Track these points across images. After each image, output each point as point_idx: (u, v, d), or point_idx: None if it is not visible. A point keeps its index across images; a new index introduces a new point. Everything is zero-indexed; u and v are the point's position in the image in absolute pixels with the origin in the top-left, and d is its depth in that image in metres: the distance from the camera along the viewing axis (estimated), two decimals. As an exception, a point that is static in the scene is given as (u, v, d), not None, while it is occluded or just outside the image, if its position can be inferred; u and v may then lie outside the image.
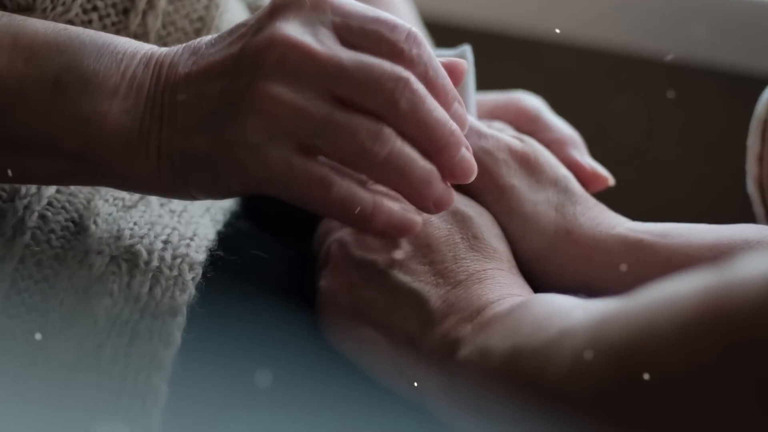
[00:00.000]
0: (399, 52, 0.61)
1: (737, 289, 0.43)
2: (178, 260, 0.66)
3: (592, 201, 0.69)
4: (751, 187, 0.78)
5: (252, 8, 0.80)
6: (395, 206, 0.62)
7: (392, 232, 0.62)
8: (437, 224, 0.65)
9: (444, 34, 0.95)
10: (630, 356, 0.46)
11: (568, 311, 0.54)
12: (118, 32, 0.70)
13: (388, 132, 0.60)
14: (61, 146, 0.62)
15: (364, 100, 0.60)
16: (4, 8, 0.67)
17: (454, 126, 0.62)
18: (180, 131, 0.62)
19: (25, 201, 0.66)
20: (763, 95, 0.78)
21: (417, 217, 0.63)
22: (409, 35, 0.62)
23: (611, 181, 0.72)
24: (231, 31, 0.63)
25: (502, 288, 0.62)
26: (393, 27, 0.62)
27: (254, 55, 0.60)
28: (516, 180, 0.68)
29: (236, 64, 0.61)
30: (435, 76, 0.62)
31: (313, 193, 0.60)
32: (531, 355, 0.53)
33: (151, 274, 0.65)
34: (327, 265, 0.67)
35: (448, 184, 0.63)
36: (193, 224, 0.69)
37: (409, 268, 0.63)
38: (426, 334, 0.61)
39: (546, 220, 0.67)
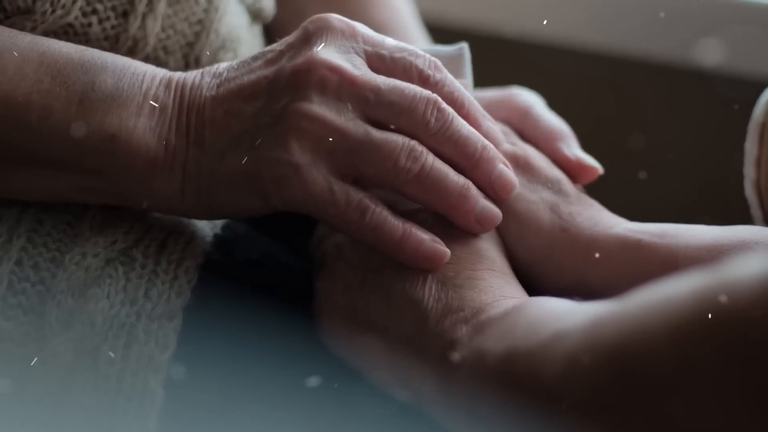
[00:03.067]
0: (426, 78, 0.65)
1: (730, 291, 0.43)
2: (175, 264, 0.66)
3: (589, 201, 0.69)
4: (749, 191, 0.78)
5: (251, 11, 0.80)
6: (425, 236, 0.63)
7: (420, 260, 0.63)
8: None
9: (443, 35, 0.95)
10: (624, 358, 0.46)
11: (563, 314, 0.54)
12: (117, 35, 0.70)
13: (421, 148, 0.63)
14: (84, 163, 0.64)
15: (397, 121, 0.63)
16: (4, 11, 0.67)
17: (486, 142, 0.65)
18: (209, 150, 0.64)
19: (22, 203, 0.66)
20: (761, 99, 0.78)
21: (445, 249, 0.63)
22: (431, 62, 0.66)
23: (600, 170, 0.72)
24: (255, 57, 0.66)
25: (496, 290, 0.62)
26: (417, 55, 0.66)
27: (293, 77, 0.63)
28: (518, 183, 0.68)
29: (272, 86, 0.63)
30: (461, 96, 0.66)
31: (349, 217, 0.62)
32: (526, 358, 0.53)
33: (147, 278, 0.65)
34: (323, 267, 0.67)
35: (489, 202, 0.65)
36: (190, 226, 0.69)
37: (404, 273, 0.63)
38: (421, 336, 0.61)
39: (541, 220, 0.67)
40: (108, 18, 0.70)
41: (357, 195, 0.63)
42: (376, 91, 0.63)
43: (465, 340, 0.58)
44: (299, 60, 0.63)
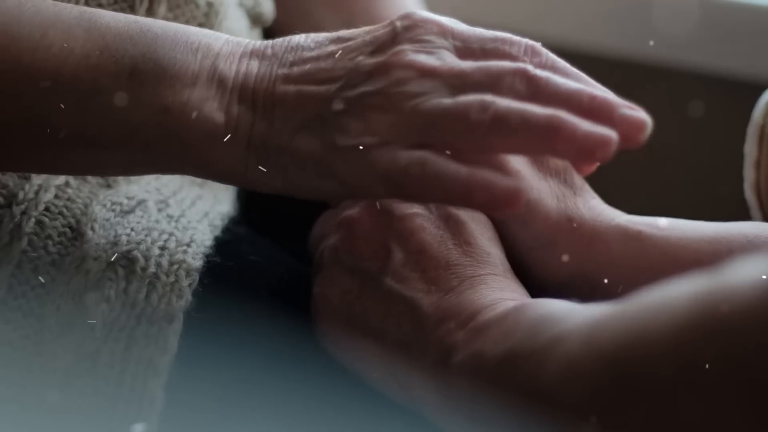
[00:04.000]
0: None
1: (729, 294, 0.43)
2: (175, 266, 0.66)
3: (592, 193, 0.69)
4: (749, 193, 0.78)
5: (251, 15, 0.80)
6: (495, 176, 0.57)
7: (497, 203, 0.57)
8: (430, 230, 0.65)
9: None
10: (623, 361, 0.47)
11: (562, 316, 0.54)
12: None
13: (492, 98, 0.58)
14: (137, 137, 0.62)
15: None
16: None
17: (597, 91, 0.59)
18: (278, 127, 0.62)
19: (23, 206, 0.66)
20: (761, 101, 0.78)
21: (522, 184, 0.58)
22: (527, 47, 0.62)
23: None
24: (333, 39, 0.64)
25: (495, 293, 0.62)
26: (511, 42, 0.62)
27: (374, 72, 0.61)
28: (520, 166, 0.68)
29: (350, 75, 0.61)
30: (564, 68, 0.62)
31: (411, 176, 0.59)
32: (525, 361, 0.53)
33: (147, 281, 0.65)
34: (320, 271, 0.67)
35: (596, 125, 0.57)
36: (191, 230, 0.69)
37: (401, 275, 0.63)
38: (420, 340, 0.61)
39: (549, 208, 0.67)
40: (108, 21, 0.70)
41: (419, 152, 0.59)
42: (460, 75, 0.60)
43: (464, 343, 0.58)
44: (383, 57, 0.62)
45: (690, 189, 1.18)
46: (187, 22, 0.73)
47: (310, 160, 0.61)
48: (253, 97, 0.62)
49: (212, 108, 0.62)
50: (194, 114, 0.62)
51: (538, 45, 0.62)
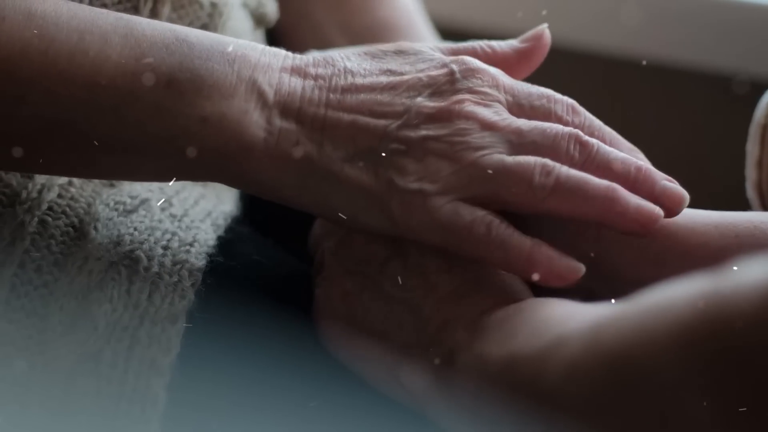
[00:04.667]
0: (565, 123, 0.65)
1: (732, 297, 0.43)
2: (178, 266, 0.66)
3: None
4: (751, 192, 0.78)
5: (255, 16, 0.80)
6: (555, 252, 0.61)
7: (554, 278, 0.61)
8: None
9: (443, 35, 0.95)
10: (625, 363, 0.47)
11: (564, 317, 0.54)
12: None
13: (553, 164, 0.62)
14: (174, 145, 0.62)
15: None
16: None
17: (639, 162, 0.63)
18: (328, 152, 0.62)
19: (25, 206, 0.66)
20: (762, 100, 0.78)
21: (580, 264, 0.61)
22: (569, 106, 0.66)
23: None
24: (387, 72, 0.65)
25: (497, 293, 0.62)
26: (555, 101, 0.65)
27: (434, 116, 0.63)
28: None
29: (408, 115, 0.63)
30: (602, 133, 0.65)
31: (476, 233, 0.61)
32: (527, 362, 0.53)
33: (150, 280, 0.65)
34: (321, 272, 0.67)
35: (646, 201, 0.62)
36: (194, 229, 0.69)
37: (402, 281, 0.63)
38: (421, 341, 0.61)
39: None
40: (112, 22, 0.70)
41: (481, 212, 0.61)
42: (518, 132, 0.63)
43: (465, 345, 0.58)
44: (443, 102, 0.63)
45: (691, 188, 1.18)
46: (191, 23, 0.73)
47: (360, 191, 0.62)
48: (298, 116, 0.63)
49: (251, 121, 0.62)
50: (232, 125, 0.62)
51: (576, 104, 0.66)
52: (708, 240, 0.63)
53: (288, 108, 0.63)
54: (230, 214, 0.74)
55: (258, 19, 0.80)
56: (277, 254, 0.72)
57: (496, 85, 0.65)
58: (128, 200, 0.69)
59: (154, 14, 0.71)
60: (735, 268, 0.45)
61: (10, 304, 0.63)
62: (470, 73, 0.65)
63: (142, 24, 0.63)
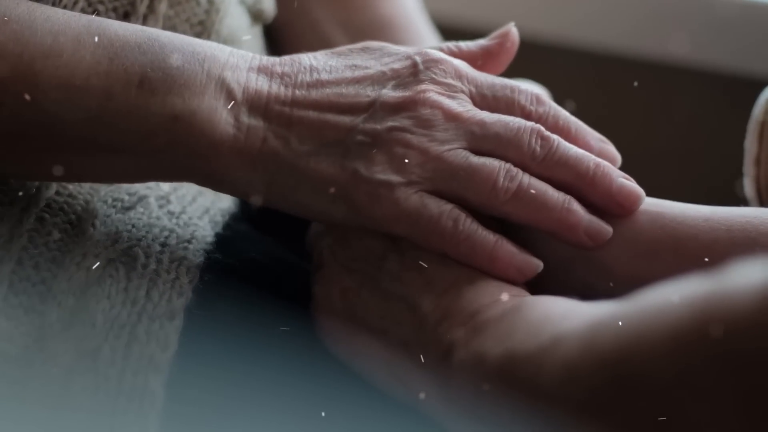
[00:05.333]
0: (528, 113, 0.66)
1: (729, 299, 0.43)
2: (176, 263, 0.66)
3: None
4: (749, 189, 0.78)
5: (252, 12, 0.80)
6: (516, 249, 0.63)
7: (514, 273, 0.63)
8: None
9: (444, 36, 0.95)
10: (621, 364, 0.47)
11: (561, 316, 0.54)
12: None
13: (517, 170, 0.63)
14: (146, 144, 0.63)
15: (504, 152, 0.64)
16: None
17: (598, 159, 0.65)
18: (294, 148, 0.63)
19: (23, 203, 0.66)
20: (761, 97, 0.78)
21: (538, 261, 0.64)
22: (532, 97, 0.67)
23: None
24: (352, 67, 0.66)
25: (495, 289, 0.62)
26: (519, 91, 0.67)
27: (399, 107, 0.64)
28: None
29: (374, 108, 0.64)
30: (566, 124, 0.67)
31: (443, 227, 0.62)
32: (524, 361, 0.53)
33: (148, 278, 0.65)
34: (319, 269, 0.67)
35: (598, 219, 0.64)
36: (192, 226, 0.69)
37: (399, 276, 0.63)
38: (420, 338, 0.61)
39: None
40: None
41: (448, 206, 0.63)
42: (481, 124, 0.64)
43: (463, 342, 0.58)
44: (407, 92, 0.64)
45: (690, 185, 1.19)
46: (188, 20, 0.73)
47: (326, 184, 0.63)
48: (266, 113, 0.64)
49: (220, 118, 0.63)
50: (203, 123, 0.63)
51: (542, 94, 0.67)
52: (699, 233, 0.63)
53: (255, 105, 0.64)
54: (228, 211, 0.74)
55: (255, 15, 0.80)
56: (275, 251, 0.72)
57: (459, 76, 0.66)
58: (126, 197, 0.69)
59: (150, 10, 0.71)
60: (731, 270, 0.45)
61: (8, 301, 0.63)
62: (433, 63, 0.66)
63: (114, 25, 0.64)
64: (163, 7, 0.71)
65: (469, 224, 0.63)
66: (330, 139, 0.64)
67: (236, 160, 0.63)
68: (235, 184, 0.64)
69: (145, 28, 0.65)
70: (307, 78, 0.65)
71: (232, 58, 0.65)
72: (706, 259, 0.61)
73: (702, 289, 0.45)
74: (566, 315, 0.54)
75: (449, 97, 0.65)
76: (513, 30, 0.70)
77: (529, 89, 0.67)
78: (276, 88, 0.65)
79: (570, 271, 0.65)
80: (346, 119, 0.64)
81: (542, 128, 0.65)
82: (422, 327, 0.61)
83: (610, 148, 0.68)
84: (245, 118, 0.64)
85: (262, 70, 0.65)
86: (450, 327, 0.60)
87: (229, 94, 0.64)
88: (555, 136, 0.65)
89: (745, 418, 0.42)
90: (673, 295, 0.46)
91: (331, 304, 0.65)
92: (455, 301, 0.61)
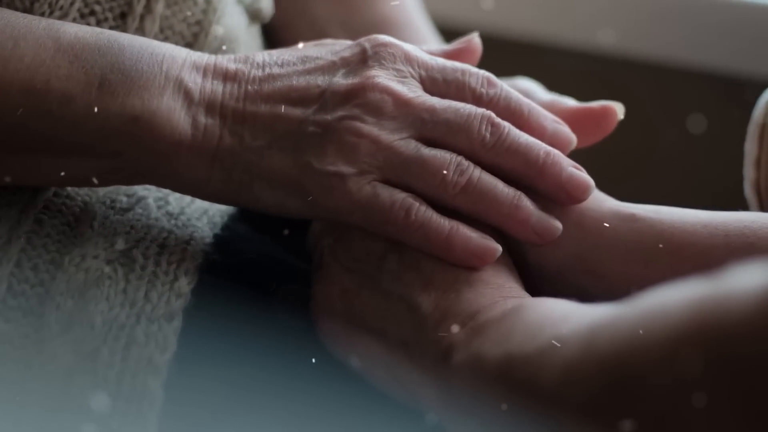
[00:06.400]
0: (479, 96, 0.66)
1: (728, 302, 0.43)
2: (174, 265, 0.66)
3: None
4: (749, 192, 0.78)
5: (250, 11, 0.80)
6: (473, 234, 0.63)
7: (470, 258, 0.63)
8: None
9: (444, 36, 0.95)
10: (620, 366, 0.47)
11: (560, 318, 0.54)
12: (115, 36, 0.70)
13: (468, 163, 0.64)
14: (107, 146, 0.64)
15: (454, 140, 0.64)
16: (2, 12, 0.67)
17: (548, 147, 0.65)
18: (248, 144, 0.64)
19: (21, 205, 0.66)
20: (761, 100, 0.78)
21: (496, 245, 0.63)
22: (483, 79, 0.67)
23: (621, 111, 0.71)
24: (303, 59, 0.66)
25: (494, 290, 0.62)
26: (470, 74, 0.66)
27: (348, 95, 0.64)
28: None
29: (323, 97, 0.64)
30: (518, 107, 0.66)
31: (395, 217, 0.63)
32: (523, 363, 0.53)
33: (147, 279, 0.65)
34: (319, 270, 0.67)
35: (548, 215, 0.64)
36: (190, 227, 0.69)
37: (399, 276, 0.63)
38: (419, 339, 0.61)
39: None
40: (106, 19, 0.70)
41: (401, 195, 0.63)
42: (431, 111, 0.64)
43: (463, 343, 0.58)
44: (356, 79, 0.64)
45: (690, 187, 1.19)
46: (185, 19, 0.73)
47: (280, 177, 0.64)
48: (221, 112, 0.64)
49: (179, 119, 0.64)
50: (162, 123, 0.63)
51: (493, 77, 0.67)
52: (697, 239, 0.63)
53: (211, 105, 0.65)
54: (227, 211, 0.74)
55: (253, 14, 0.80)
56: (273, 252, 0.72)
57: (409, 60, 0.66)
58: (124, 198, 0.69)
59: (148, 11, 0.71)
60: (729, 273, 0.45)
61: (6, 303, 0.63)
62: (382, 48, 0.66)
63: (74, 28, 0.65)
64: (160, 7, 0.71)
65: (422, 213, 0.63)
66: (282, 132, 0.64)
67: (195, 160, 0.64)
68: (195, 184, 0.65)
69: (105, 30, 0.66)
70: (259, 73, 0.66)
71: (189, 59, 0.66)
72: (704, 265, 0.61)
73: (701, 292, 0.45)
74: (565, 317, 0.54)
75: (399, 82, 0.65)
76: (476, 38, 0.71)
77: (480, 72, 0.67)
78: (230, 86, 0.65)
79: (566, 278, 0.65)
80: (297, 111, 0.64)
81: (493, 115, 0.65)
82: (422, 327, 0.61)
83: (565, 129, 0.68)
84: (202, 118, 0.64)
85: (218, 68, 0.66)
86: (450, 329, 0.60)
87: (187, 95, 0.64)
88: (506, 123, 0.65)
89: (743, 421, 0.42)
90: (672, 298, 0.46)
91: (331, 304, 0.65)
92: (455, 302, 0.61)
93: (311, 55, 0.67)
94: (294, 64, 0.66)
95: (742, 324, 0.42)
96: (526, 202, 0.64)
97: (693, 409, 0.43)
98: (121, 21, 0.70)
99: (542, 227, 0.64)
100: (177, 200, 0.71)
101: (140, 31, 0.71)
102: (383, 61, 0.65)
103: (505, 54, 1.17)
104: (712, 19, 1.19)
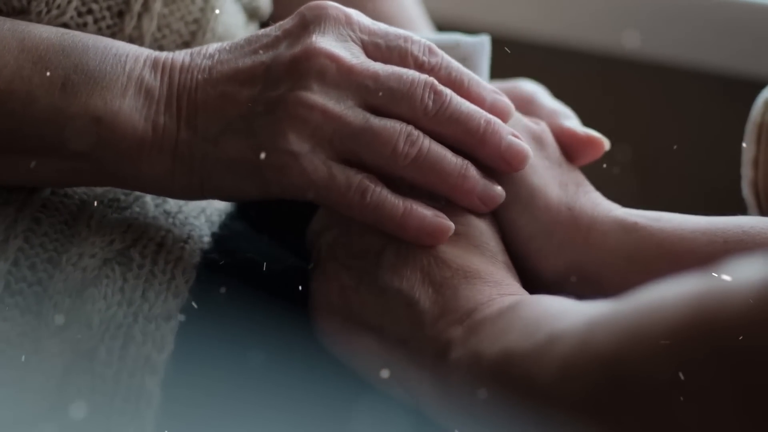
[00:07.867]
0: (421, 64, 0.66)
1: (725, 297, 0.43)
2: (172, 264, 0.66)
3: (591, 186, 0.70)
4: (747, 191, 0.78)
5: (247, 10, 0.80)
6: (427, 212, 0.64)
7: (424, 236, 0.63)
8: None
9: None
10: (617, 362, 0.47)
11: (557, 315, 0.54)
12: (113, 35, 0.70)
13: (417, 133, 0.64)
14: (70, 147, 0.64)
15: (397, 107, 0.64)
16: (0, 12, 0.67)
17: (489, 116, 0.65)
18: (202, 134, 0.64)
19: (19, 203, 0.66)
20: (759, 99, 0.78)
21: (449, 223, 0.64)
22: (425, 47, 0.67)
23: (607, 145, 0.72)
24: (249, 41, 0.66)
25: (492, 288, 0.62)
26: (412, 41, 0.66)
27: (292, 65, 0.64)
28: (532, 153, 0.68)
29: (269, 73, 0.64)
30: (459, 76, 0.67)
31: (350, 199, 0.63)
32: (521, 360, 0.53)
33: (144, 278, 0.65)
34: (318, 267, 0.67)
35: (492, 181, 0.65)
36: (188, 226, 0.69)
37: (397, 271, 0.63)
38: (417, 336, 0.61)
39: (551, 195, 0.67)
40: (103, 18, 0.70)
41: (357, 176, 0.63)
42: (375, 78, 0.64)
43: (460, 340, 0.58)
44: (298, 48, 0.64)
45: (688, 187, 1.18)
46: (182, 18, 0.73)
47: (234, 161, 0.64)
48: (178, 106, 0.65)
49: (141, 118, 0.64)
50: (125, 123, 0.64)
51: (434, 45, 0.67)
52: (697, 247, 0.63)
53: (169, 100, 0.65)
54: (224, 210, 0.74)
55: (251, 12, 0.80)
56: (271, 250, 0.72)
57: (350, 24, 0.66)
58: (122, 197, 0.69)
59: (145, 9, 0.71)
60: (727, 268, 0.45)
61: (4, 302, 0.63)
62: (322, 12, 0.66)
63: (39, 29, 0.65)
64: (158, 6, 0.71)
65: (377, 195, 0.63)
66: (234, 115, 0.64)
67: (157, 157, 0.64)
68: (160, 182, 0.65)
69: (70, 31, 0.66)
70: (209, 63, 0.65)
71: (150, 57, 0.66)
72: None
73: (698, 287, 0.45)
74: (563, 314, 0.54)
75: (342, 47, 0.65)
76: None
77: (422, 40, 0.67)
78: (183, 79, 0.65)
79: (565, 287, 0.65)
80: (245, 91, 0.64)
81: (435, 82, 0.65)
82: (420, 326, 0.61)
83: (504, 99, 0.68)
84: (162, 117, 0.64)
85: (174, 63, 0.65)
86: (447, 326, 0.60)
87: (147, 93, 0.64)
88: (448, 91, 0.65)
89: (741, 416, 0.42)
90: (668, 293, 0.46)
91: (328, 301, 0.65)
92: (452, 299, 0.61)
93: (257, 34, 0.66)
94: (241, 47, 0.66)
95: (739, 318, 0.42)
96: (473, 172, 0.65)
97: (691, 403, 0.43)
98: (119, 19, 0.70)
99: (487, 195, 0.65)
100: (175, 199, 0.71)
101: (138, 29, 0.71)
102: (324, 26, 0.65)
103: (505, 54, 1.17)
104: (711, 19, 1.19)
